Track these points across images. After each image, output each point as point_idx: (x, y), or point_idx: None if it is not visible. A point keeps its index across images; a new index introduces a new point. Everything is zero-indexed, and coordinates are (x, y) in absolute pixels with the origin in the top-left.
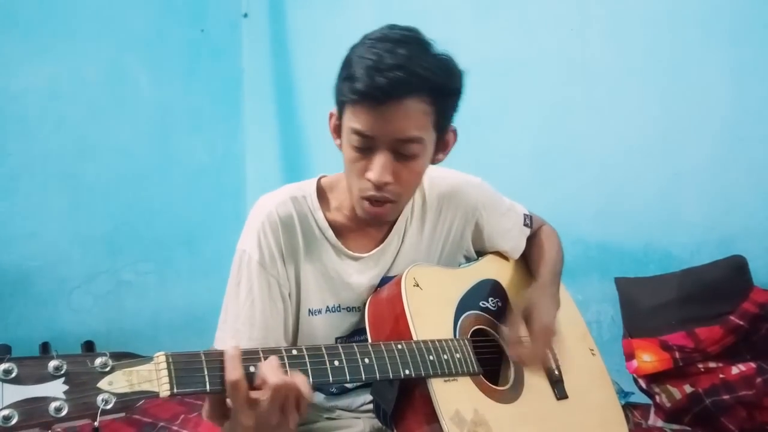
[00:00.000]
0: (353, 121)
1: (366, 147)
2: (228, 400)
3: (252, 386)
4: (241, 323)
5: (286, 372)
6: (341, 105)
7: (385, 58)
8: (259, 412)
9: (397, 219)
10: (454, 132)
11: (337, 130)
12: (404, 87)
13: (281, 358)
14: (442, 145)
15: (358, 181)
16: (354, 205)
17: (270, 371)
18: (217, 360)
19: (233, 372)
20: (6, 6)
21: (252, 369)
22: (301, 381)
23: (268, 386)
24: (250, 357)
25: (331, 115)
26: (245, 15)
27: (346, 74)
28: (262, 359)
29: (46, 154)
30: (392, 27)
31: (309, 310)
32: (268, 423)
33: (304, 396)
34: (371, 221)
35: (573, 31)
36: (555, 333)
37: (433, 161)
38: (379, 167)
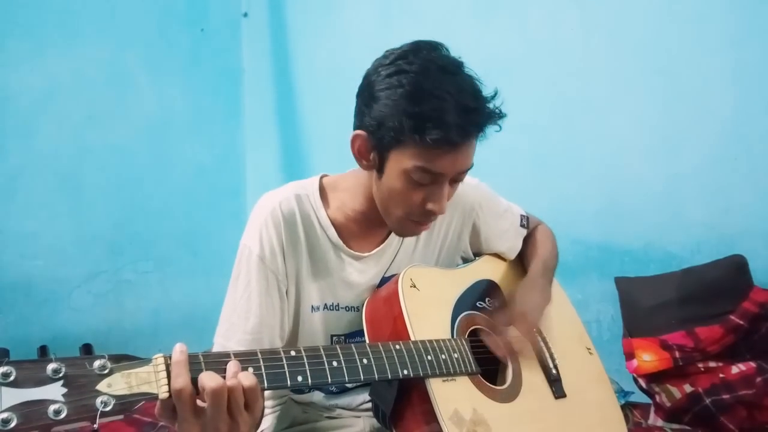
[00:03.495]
0: (420, 159)
1: (431, 182)
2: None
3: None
4: (236, 316)
5: (235, 374)
6: (397, 141)
7: (463, 100)
8: (203, 421)
9: None
10: None
11: (365, 155)
12: (481, 130)
13: (278, 359)
14: None
15: (410, 207)
16: (391, 225)
17: (208, 377)
18: (216, 361)
19: (178, 379)
20: (6, 6)
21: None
22: (246, 379)
23: (208, 393)
24: (215, 361)
25: (356, 137)
26: (245, 14)
27: (413, 112)
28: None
29: (46, 154)
30: (431, 50)
31: (312, 307)
32: (217, 431)
33: (252, 395)
34: (406, 235)
35: (573, 31)
36: (536, 322)
37: None
38: (444, 200)
